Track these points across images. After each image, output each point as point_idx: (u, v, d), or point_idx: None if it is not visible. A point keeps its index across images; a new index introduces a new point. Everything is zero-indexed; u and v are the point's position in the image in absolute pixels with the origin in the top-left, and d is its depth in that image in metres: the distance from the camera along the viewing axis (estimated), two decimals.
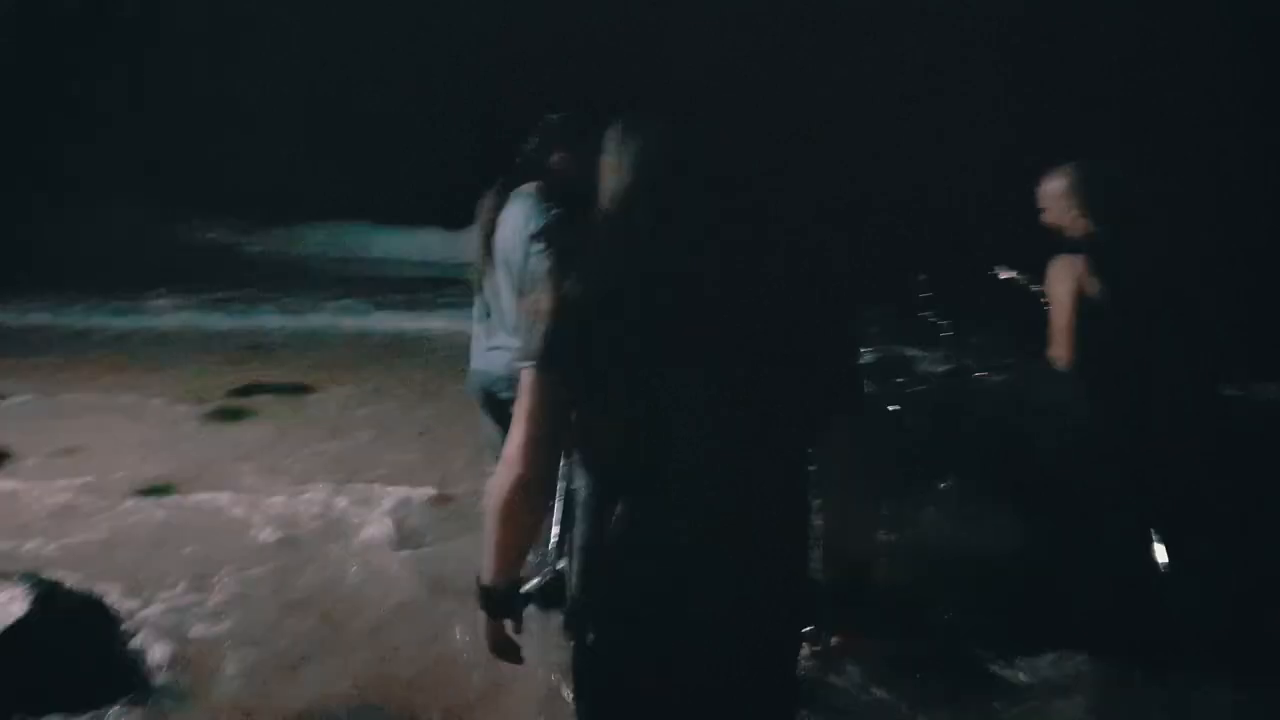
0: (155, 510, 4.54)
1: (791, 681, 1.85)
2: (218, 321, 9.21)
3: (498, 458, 3.76)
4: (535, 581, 3.45)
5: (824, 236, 1.88)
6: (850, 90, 11.39)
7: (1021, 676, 3.48)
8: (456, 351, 4.51)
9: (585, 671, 1.79)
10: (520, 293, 3.47)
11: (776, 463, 1.71)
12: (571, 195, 3.44)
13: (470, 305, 3.65)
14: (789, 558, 1.74)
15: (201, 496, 4.72)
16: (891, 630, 3.53)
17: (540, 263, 3.35)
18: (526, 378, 1.67)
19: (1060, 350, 3.45)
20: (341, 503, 4.68)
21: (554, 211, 3.37)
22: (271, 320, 9.29)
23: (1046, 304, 3.73)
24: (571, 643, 1.79)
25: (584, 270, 1.70)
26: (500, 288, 3.55)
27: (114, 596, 3.47)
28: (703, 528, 1.67)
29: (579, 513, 1.75)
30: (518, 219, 3.44)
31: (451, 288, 9.63)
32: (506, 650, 1.85)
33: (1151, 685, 3.38)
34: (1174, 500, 3.64)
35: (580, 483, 1.74)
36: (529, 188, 3.49)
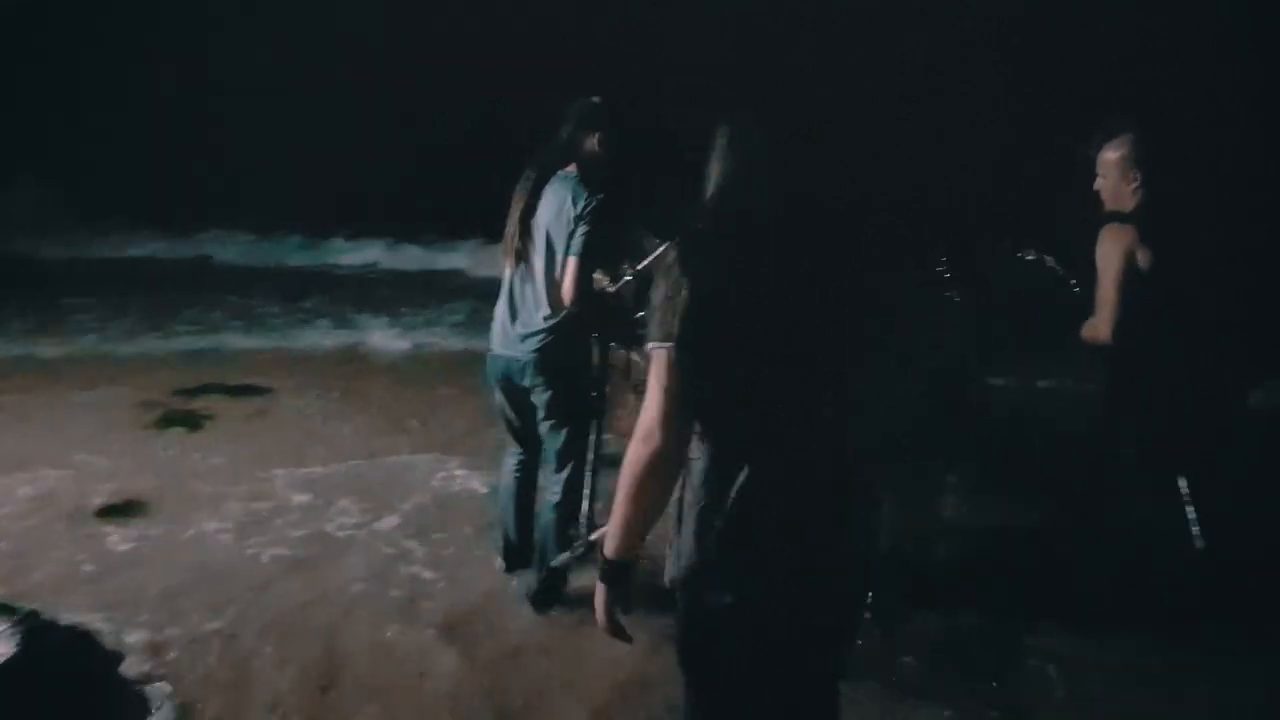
0: (123, 532, 4.32)
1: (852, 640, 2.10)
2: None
3: (512, 433, 3.81)
4: (565, 555, 3.52)
5: (898, 223, 2.18)
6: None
7: (1048, 650, 3.50)
8: None
9: (702, 629, 1.92)
10: (561, 267, 3.52)
11: (868, 432, 1.92)
12: (608, 177, 3.52)
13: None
14: (868, 525, 1.97)
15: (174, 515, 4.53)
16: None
17: (586, 237, 3.41)
18: (659, 357, 1.81)
19: (1103, 322, 3.38)
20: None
21: (597, 195, 3.44)
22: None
23: (1075, 287, 3.65)
24: (686, 605, 1.92)
25: (702, 256, 1.85)
26: (537, 270, 3.58)
27: (101, 628, 3.34)
28: (815, 492, 1.86)
29: (694, 481, 1.88)
30: (561, 200, 3.50)
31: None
32: (617, 624, 1.96)
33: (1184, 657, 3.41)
34: (1205, 477, 3.63)
35: (698, 453, 1.87)
36: (569, 170, 3.54)
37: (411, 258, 12.60)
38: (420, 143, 13.24)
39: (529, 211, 3.57)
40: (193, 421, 5.86)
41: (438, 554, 4.22)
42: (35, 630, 2.73)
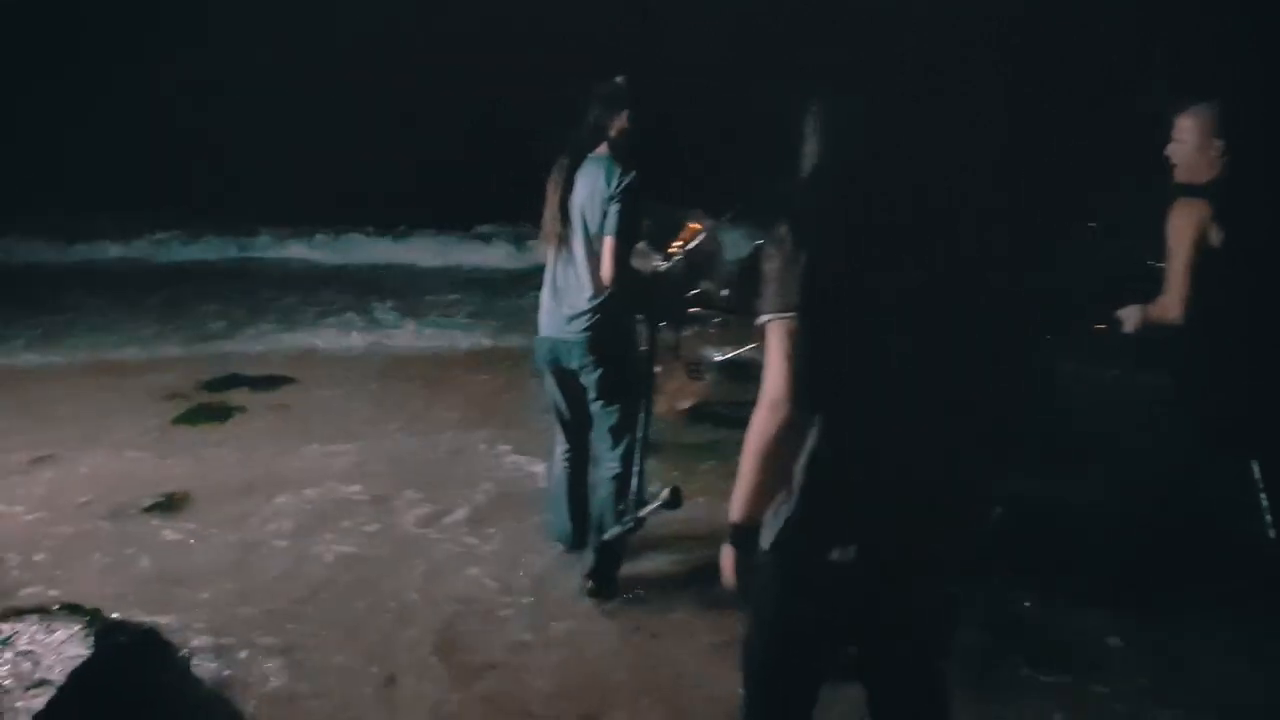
0: (174, 528, 4.27)
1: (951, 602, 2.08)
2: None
3: (561, 422, 3.71)
4: (617, 529, 3.53)
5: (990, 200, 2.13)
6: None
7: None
8: None
9: (803, 586, 1.95)
10: (599, 248, 3.53)
11: (970, 428, 1.95)
12: (638, 153, 3.56)
13: None
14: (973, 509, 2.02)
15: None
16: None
17: (621, 215, 3.45)
18: (777, 328, 1.86)
19: (1173, 301, 3.24)
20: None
21: (631, 173, 3.49)
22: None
23: (1156, 261, 3.40)
24: (783, 565, 1.94)
25: (814, 227, 1.90)
26: (577, 252, 3.62)
27: (168, 628, 3.25)
28: (923, 466, 1.90)
29: (802, 447, 1.90)
30: (596, 180, 3.56)
31: None
32: (744, 584, 2.01)
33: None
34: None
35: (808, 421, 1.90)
36: (601, 151, 3.59)
37: (427, 251, 12.56)
38: (423, 141, 13.26)
39: (566, 195, 3.62)
40: (223, 413, 5.86)
41: (500, 551, 4.11)
42: (106, 632, 2.70)
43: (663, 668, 3.29)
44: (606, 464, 3.77)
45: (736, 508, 1.96)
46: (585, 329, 3.60)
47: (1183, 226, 3.21)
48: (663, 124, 3.91)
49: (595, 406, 3.72)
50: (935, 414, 1.90)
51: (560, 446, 3.90)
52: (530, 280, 5.58)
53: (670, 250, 3.89)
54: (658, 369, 4.07)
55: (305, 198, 12.80)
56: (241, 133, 13.43)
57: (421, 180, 12.92)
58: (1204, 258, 3.18)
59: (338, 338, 8.23)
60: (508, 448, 5.23)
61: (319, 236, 13.01)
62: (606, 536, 3.60)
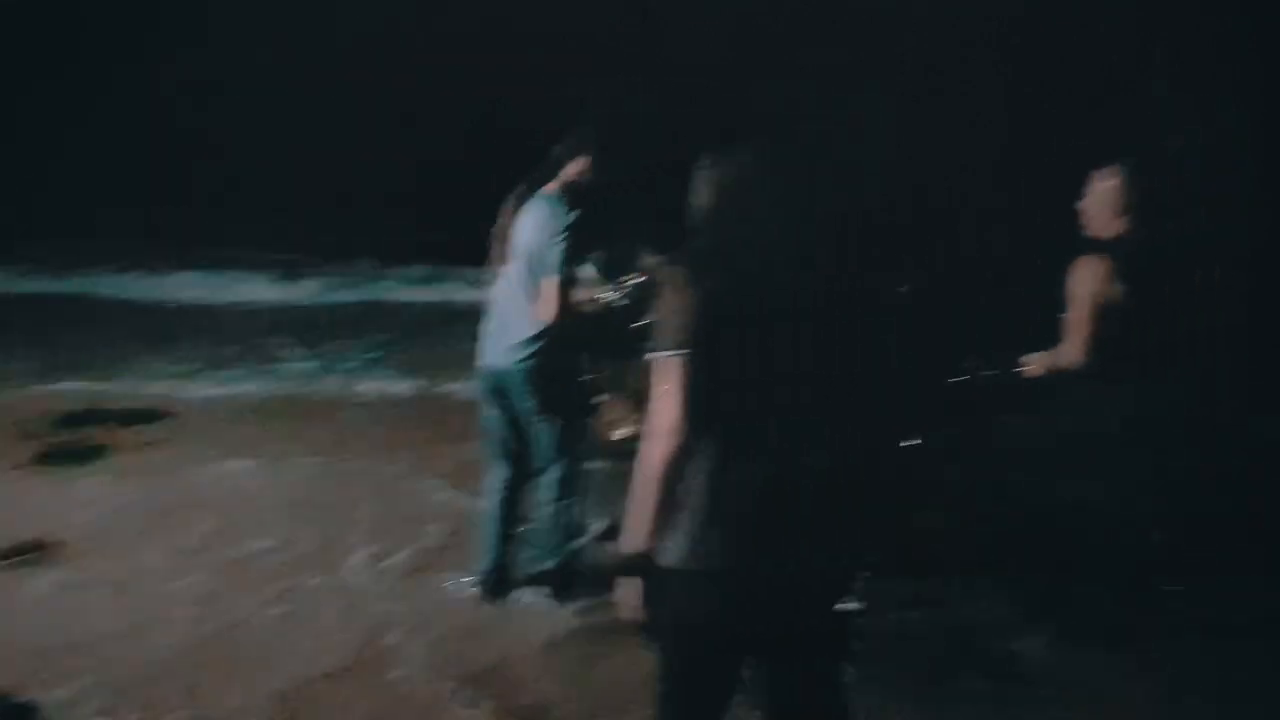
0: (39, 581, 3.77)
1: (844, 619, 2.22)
2: None
3: (498, 452, 3.98)
4: (560, 557, 3.58)
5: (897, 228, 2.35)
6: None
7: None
8: None
9: (694, 605, 2.07)
10: (539, 282, 3.59)
11: (861, 417, 2.11)
12: (589, 197, 3.65)
13: None
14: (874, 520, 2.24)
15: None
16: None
17: (563, 255, 3.52)
18: (670, 364, 2.02)
19: (1074, 346, 3.48)
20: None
21: (573, 213, 3.56)
22: None
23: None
24: (684, 586, 2.06)
25: (706, 269, 2.08)
26: (520, 283, 3.69)
27: (38, 698, 2.93)
28: (815, 488, 2.05)
29: (699, 474, 2.06)
30: (540, 218, 3.64)
31: None
32: (645, 613, 2.13)
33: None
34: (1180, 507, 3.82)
35: (704, 448, 2.05)
36: (552, 188, 3.67)
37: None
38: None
39: (514, 227, 3.70)
40: (88, 453, 5.39)
41: (416, 589, 3.98)
42: None
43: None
44: (544, 491, 3.81)
45: (634, 538, 2.08)
46: (527, 359, 3.64)
47: (1083, 279, 3.46)
48: (635, 180, 3.98)
49: (535, 432, 3.77)
50: (831, 435, 2.06)
51: (496, 478, 3.90)
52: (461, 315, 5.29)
53: (622, 282, 3.96)
54: (599, 399, 4.18)
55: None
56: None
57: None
58: (1103, 309, 3.42)
59: (218, 374, 7.50)
60: (437, 482, 5.03)
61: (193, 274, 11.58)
62: (544, 568, 3.66)
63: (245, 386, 7.13)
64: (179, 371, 7.49)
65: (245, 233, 12.18)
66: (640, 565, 2.09)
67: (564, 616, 3.77)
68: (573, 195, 3.69)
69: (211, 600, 3.82)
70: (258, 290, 11.11)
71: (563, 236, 3.59)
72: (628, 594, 2.13)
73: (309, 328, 9.05)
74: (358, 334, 8.86)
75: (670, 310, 2.06)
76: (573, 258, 3.63)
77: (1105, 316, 3.43)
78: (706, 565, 2.04)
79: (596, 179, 3.69)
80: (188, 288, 11.03)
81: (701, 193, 2.16)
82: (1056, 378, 3.63)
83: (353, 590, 3.99)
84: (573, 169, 3.74)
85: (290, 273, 11.49)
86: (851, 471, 2.11)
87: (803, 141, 2.29)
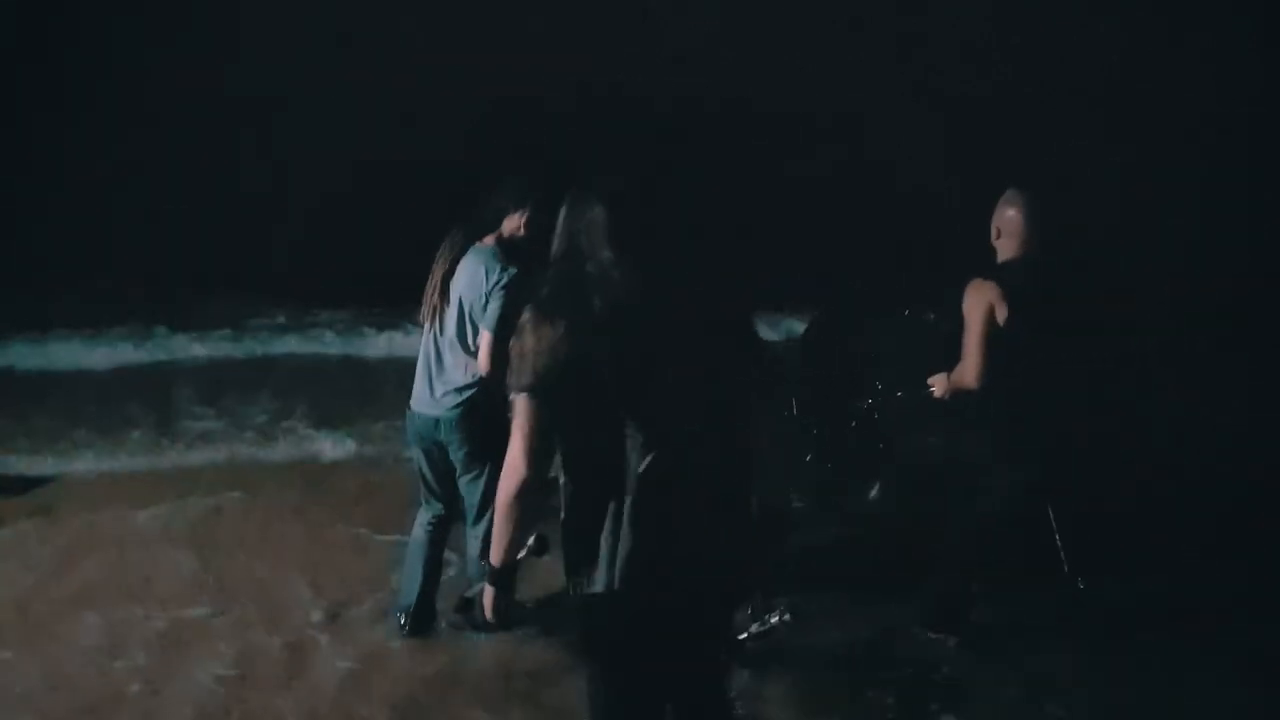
0: None
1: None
2: None
3: (426, 495, 3.97)
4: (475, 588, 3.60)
5: (738, 262, 2.45)
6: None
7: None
8: None
9: (634, 618, 2.17)
10: (475, 336, 3.61)
11: (737, 443, 2.26)
12: (524, 253, 3.63)
13: None
14: (749, 521, 2.35)
15: None
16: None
17: (500, 311, 3.50)
18: (521, 403, 2.11)
19: (970, 367, 3.57)
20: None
21: (510, 269, 3.52)
22: None
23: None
24: (601, 609, 2.17)
25: (553, 315, 2.11)
26: (453, 333, 3.67)
27: None
28: (694, 505, 2.16)
29: (569, 503, 2.19)
30: (476, 272, 3.62)
31: None
32: (506, 617, 2.36)
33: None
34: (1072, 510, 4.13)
35: (568, 479, 2.19)
36: (487, 242, 3.65)
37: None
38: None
39: (449, 275, 3.68)
40: None
41: (346, 634, 3.95)
42: None
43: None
44: (470, 543, 3.84)
45: (496, 554, 2.25)
46: (457, 405, 3.68)
47: (974, 303, 3.55)
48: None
49: (463, 481, 3.79)
50: (716, 469, 2.20)
51: (424, 515, 3.93)
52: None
53: None
54: None
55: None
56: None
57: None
58: (994, 332, 3.52)
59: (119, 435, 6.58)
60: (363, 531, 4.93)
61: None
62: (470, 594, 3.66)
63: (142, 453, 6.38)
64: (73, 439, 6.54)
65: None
66: (502, 578, 2.29)
67: (493, 646, 3.82)
68: (510, 252, 3.67)
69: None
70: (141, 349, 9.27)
71: (499, 293, 3.56)
72: (490, 603, 2.33)
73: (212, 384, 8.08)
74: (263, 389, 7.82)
75: (519, 351, 2.12)
76: (510, 315, 3.54)
77: (994, 341, 3.52)
78: (650, 584, 2.14)
79: (533, 237, 3.63)
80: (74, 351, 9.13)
81: (560, 232, 2.25)
82: (958, 398, 3.72)
83: (290, 653, 3.92)
84: (509, 224, 3.71)
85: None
86: (720, 493, 2.22)
87: (652, 184, 2.30)
